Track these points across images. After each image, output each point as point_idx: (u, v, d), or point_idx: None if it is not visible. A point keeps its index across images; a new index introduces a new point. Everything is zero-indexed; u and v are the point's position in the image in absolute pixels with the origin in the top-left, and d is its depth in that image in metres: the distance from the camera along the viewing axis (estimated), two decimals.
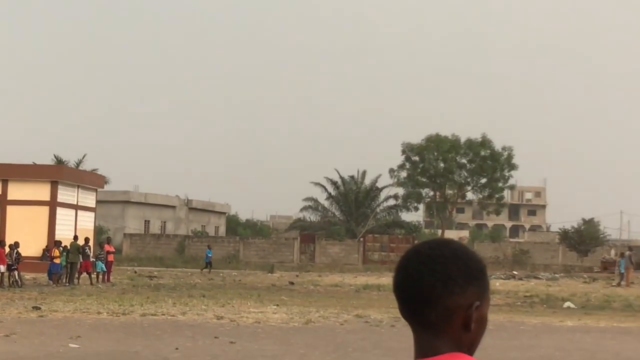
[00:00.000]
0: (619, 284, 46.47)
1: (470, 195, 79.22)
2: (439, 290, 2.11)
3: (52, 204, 46.32)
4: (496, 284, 43.80)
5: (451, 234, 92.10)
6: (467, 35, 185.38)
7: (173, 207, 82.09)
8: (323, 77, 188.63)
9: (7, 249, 35.22)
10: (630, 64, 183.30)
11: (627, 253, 49.16)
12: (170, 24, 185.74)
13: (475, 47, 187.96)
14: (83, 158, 65.85)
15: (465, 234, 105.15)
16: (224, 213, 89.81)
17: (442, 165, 72.94)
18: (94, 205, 51.64)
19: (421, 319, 2.13)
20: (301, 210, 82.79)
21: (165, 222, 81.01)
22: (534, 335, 21.11)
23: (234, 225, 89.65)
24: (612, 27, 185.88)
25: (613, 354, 18.17)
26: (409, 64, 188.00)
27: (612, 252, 69.11)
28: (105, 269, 39.70)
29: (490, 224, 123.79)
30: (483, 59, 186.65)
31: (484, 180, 73.61)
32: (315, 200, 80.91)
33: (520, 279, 51.49)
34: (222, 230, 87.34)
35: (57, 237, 42.07)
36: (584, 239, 68.91)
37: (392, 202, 78.63)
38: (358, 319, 23.92)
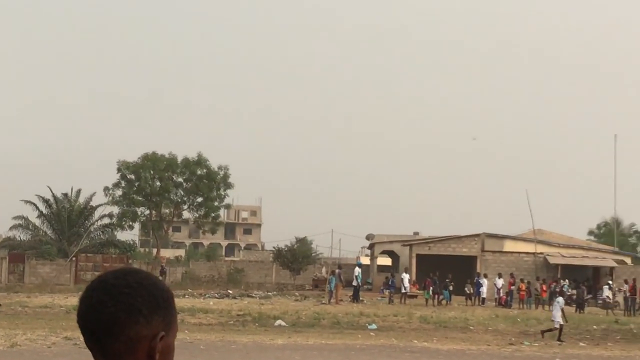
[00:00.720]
0: (328, 302, 47.94)
1: (186, 214, 79.28)
2: (123, 320, 2.09)
3: None
4: (210, 302, 44.06)
5: (167, 253, 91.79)
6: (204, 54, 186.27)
7: None
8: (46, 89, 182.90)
9: None
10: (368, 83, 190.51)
11: (337, 271, 50.78)
12: None
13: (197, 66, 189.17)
14: None
15: (181, 252, 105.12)
16: None
17: (158, 183, 72.61)
18: None
19: (104, 349, 2.10)
20: (10, 228, 79.47)
21: None
22: (245, 354, 21.37)
23: None
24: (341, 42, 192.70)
25: None
26: (122, 80, 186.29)
27: (323, 270, 71.22)
28: None
29: (206, 242, 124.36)
30: (205, 81, 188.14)
31: (200, 199, 73.96)
32: (26, 219, 77.97)
33: (234, 297, 52.00)
34: None
35: None
36: (296, 257, 70.44)
37: (106, 220, 77.20)
38: (67, 341, 23.28)
